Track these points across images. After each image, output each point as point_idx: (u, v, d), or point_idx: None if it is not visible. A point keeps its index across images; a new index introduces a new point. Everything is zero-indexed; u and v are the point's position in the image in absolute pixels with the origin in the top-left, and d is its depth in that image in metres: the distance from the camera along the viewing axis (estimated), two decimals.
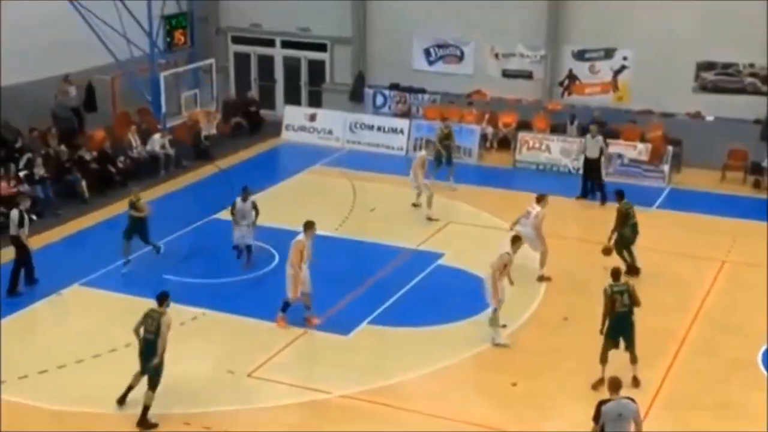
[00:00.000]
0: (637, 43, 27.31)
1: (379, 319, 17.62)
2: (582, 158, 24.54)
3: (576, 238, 21.68)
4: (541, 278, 19.11)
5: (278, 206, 22.82)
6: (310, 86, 31.52)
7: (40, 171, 22.95)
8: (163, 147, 26.03)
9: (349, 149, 28.58)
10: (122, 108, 27.67)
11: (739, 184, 25.43)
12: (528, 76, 28.84)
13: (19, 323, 17.51)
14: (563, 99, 28.60)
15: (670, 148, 25.84)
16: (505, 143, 28.06)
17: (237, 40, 32.16)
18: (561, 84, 28.60)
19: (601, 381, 14.65)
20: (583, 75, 28.29)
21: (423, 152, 23.61)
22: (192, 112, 27.13)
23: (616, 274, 15.26)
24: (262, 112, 30.67)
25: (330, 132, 29.15)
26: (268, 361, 16.06)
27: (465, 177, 25.16)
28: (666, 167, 25.67)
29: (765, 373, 15.85)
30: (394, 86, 29.91)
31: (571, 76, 28.45)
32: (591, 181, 24.21)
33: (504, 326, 16.80)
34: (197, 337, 16.90)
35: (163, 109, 26.05)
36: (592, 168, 24.13)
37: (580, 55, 28.21)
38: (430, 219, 22.40)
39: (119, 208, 21.58)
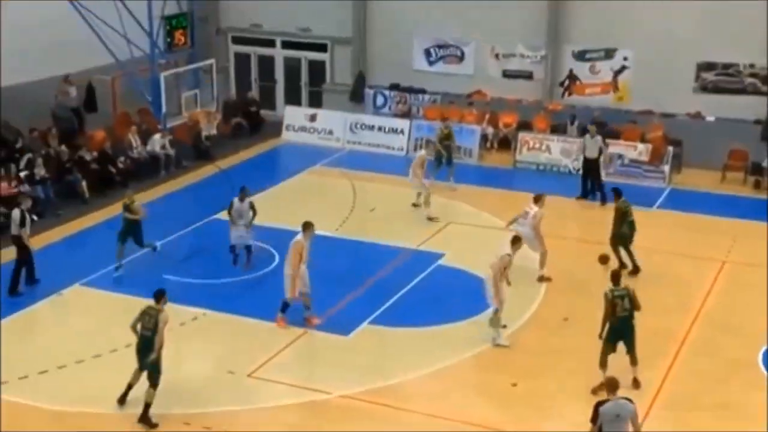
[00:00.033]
0: (638, 44, 27.32)
1: (380, 320, 17.62)
2: (581, 158, 24.57)
3: (576, 238, 21.68)
4: (542, 278, 19.11)
5: (279, 206, 22.84)
6: (311, 86, 31.53)
7: (40, 171, 22.96)
8: (163, 147, 26.04)
9: (350, 149, 28.58)
10: (122, 108, 27.67)
11: (739, 184, 25.43)
12: (528, 76, 28.84)
13: (19, 323, 17.51)
14: (563, 99, 28.60)
15: (670, 148, 25.84)
16: (506, 143, 28.07)
17: (237, 41, 32.16)
18: (561, 84, 28.60)
19: (601, 386, 14.58)
20: (584, 75, 28.29)
21: (423, 151, 23.60)
22: (192, 113, 27.11)
23: (616, 278, 15.23)
24: (263, 112, 30.68)
25: (330, 132, 29.15)
26: (269, 362, 16.06)
27: (465, 177, 25.16)
28: (666, 167, 25.67)
29: (765, 373, 15.85)
30: (394, 86, 29.91)
31: (572, 77, 28.45)
32: (591, 181, 24.22)
33: (504, 326, 16.80)
34: (197, 337, 16.92)
35: (164, 110, 26.04)
36: (591, 168, 24.14)
37: (580, 56, 28.21)
38: (430, 218, 22.41)
39: (120, 208, 21.52)
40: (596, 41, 27.93)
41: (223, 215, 20.42)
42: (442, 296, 18.56)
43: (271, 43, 31.73)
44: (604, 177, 24.23)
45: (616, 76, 27.97)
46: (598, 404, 11.96)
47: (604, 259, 18.57)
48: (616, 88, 28.05)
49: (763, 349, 16.53)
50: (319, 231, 17.41)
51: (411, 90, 29.70)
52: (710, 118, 26.72)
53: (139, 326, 14.16)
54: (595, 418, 11.89)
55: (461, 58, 29.44)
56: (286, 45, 31.56)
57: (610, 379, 12.23)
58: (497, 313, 16.51)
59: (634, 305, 14.98)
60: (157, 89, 25.83)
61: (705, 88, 27.03)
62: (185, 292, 17.95)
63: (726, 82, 26.78)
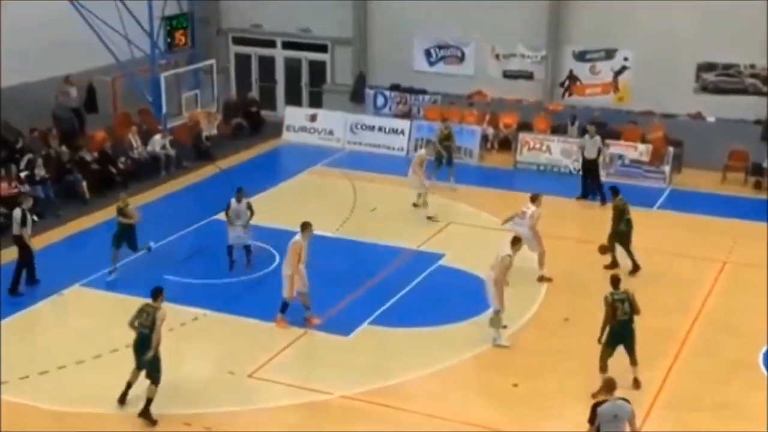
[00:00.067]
0: (638, 44, 27.32)
1: (380, 320, 17.61)
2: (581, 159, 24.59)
3: (576, 238, 21.67)
4: (542, 279, 19.11)
5: (279, 207, 22.85)
6: (311, 87, 31.53)
7: (40, 171, 22.96)
8: (163, 147, 26.04)
9: (350, 150, 28.58)
10: (123, 109, 27.66)
11: (739, 184, 25.43)
12: (529, 76, 28.84)
13: (19, 323, 17.52)
14: (564, 100, 28.60)
15: (670, 148, 25.84)
16: (506, 144, 28.07)
17: (238, 41, 32.17)
18: (562, 85, 28.60)
19: (601, 390, 14.60)
20: (584, 76, 28.29)
21: (422, 151, 23.57)
22: (193, 113, 27.12)
23: (615, 282, 15.21)
24: (263, 112, 30.68)
25: (331, 132, 29.15)
26: (269, 362, 16.06)
27: (466, 178, 25.17)
28: (667, 168, 25.68)
29: (765, 373, 15.84)
30: (394, 87, 29.91)
31: (572, 77, 28.45)
32: (590, 182, 24.23)
33: (505, 327, 16.80)
34: (198, 337, 16.92)
35: (164, 110, 26.05)
36: (589, 169, 24.15)
37: (580, 56, 28.21)
38: (430, 218, 22.41)
39: None
40: (596, 41, 27.93)
41: (224, 216, 20.41)
42: (443, 297, 18.56)
43: (271, 44, 31.74)
44: (603, 177, 24.24)
45: (617, 77, 27.97)
46: (596, 405, 11.96)
47: (603, 249, 18.65)
48: (616, 88, 28.05)
49: (764, 349, 16.53)
50: (319, 231, 17.42)
51: (411, 90, 29.69)
52: (711, 119, 26.71)
53: (136, 323, 14.20)
54: (592, 419, 11.89)
55: (461, 58, 29.44)
56: (287, 45, 31.57)
57: (607, 379, 12.25)
58: (498, 313, 16.50)
59: (634, 309, 14.98)
60: (158, 90, 25.85)
61: (705, 88, 27.03)
62: (186, 293, 17.97)
63: (726, 83, 26.78)
